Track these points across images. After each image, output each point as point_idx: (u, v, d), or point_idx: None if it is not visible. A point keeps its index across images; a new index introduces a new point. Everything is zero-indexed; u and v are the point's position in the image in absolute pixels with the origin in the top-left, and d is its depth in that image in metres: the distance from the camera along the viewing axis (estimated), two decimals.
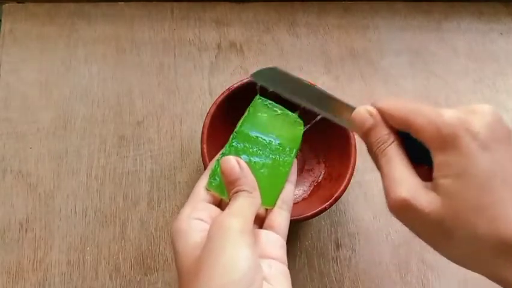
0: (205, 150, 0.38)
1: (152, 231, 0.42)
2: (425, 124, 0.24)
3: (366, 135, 0.28)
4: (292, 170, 0.34)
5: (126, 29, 0.51)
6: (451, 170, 0.23)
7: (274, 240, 0.30)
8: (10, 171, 0.43)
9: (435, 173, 0.24)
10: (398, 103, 0.26)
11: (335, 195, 0.37)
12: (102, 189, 0.43)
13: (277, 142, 0.34)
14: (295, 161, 0.35)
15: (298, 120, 0.35)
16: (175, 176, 0.44)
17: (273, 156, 0.34)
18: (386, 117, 0.27)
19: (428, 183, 0.25)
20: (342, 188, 0.38)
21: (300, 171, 0.43)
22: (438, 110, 0.24)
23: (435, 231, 0.25)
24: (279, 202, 0.32)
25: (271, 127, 0.35)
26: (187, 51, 0.51)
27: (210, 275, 0.24)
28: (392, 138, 0.26)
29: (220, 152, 0.34)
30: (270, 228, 0.31)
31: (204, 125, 0.39)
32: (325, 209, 0.37)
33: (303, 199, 0.42)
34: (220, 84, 0.49)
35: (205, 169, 0.37)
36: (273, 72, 0.33)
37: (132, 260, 0.41)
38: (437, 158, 0.24)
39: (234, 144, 0.34)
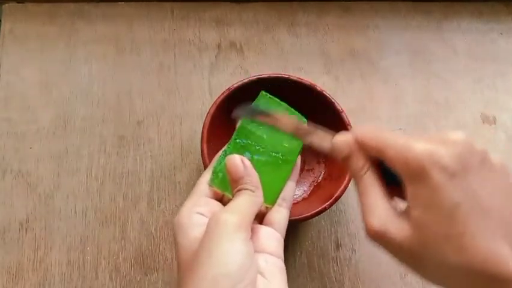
0: (205, 150, 0.38)
1: (152, 231, 0.42)
2: (395, 157, 0.25)
3: (344, 163, 0.28)
4: (294, 168, 0.34)
5: (126, 29, 0.51)
6: (419, 202, 0.24)
7: (271, 236, 0.31)
8: (10, 171, 0.43)
9: (407, 203, 0.25)
10: (373, 133, 0.27)
11: (335, 195, 0.37)
12: (102, 189, 0.43)
13: (280, 139, 0.34)
14: (298, 159, 0.35)
15: (302, 118, 0.35)
16: (175, 176, 0.44)
17: (276, 154, 0.34)
18: (362, 146, 0.27)
19: (403, 211, 0.25)
20: (342, 188, 0.38)
21: (300, 171, 0.43)
22: (409, 143, 0.24)
23: (409, 259, 0.26)
24: (279, 200, 0.33)
25: (269, 135, 0.34)
26: (187, 51, 0.51)
27: (204, 268, 0.25)
28: (367, 167, 0.27)
29: (223, 149, 0.34)
30: (269, 224, 0.32)
31: (204, 125, 0.39)
32: (325, 209, 0.37)
33: (303, 199, 0.42)
34: (220, 84, 0.49)
35: (205, 169, 0.37)
36: (249, 108, 0.33)
37: (132, 260, 0.41)
38: (408, 189, 0.25)
39: (237, 141, 0.34)
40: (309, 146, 0.32)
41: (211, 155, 0.38)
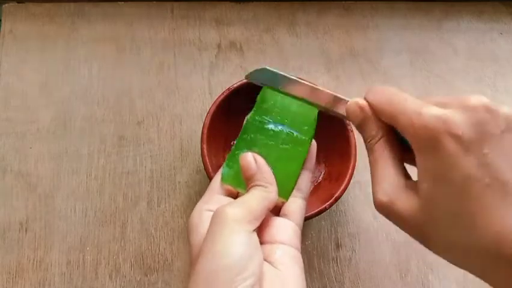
0: (205, 150, 0.38)
1: (152, 231, 0.42)
2: (406, 125, 0.23)
3: (358, 129, 0.28)
4: (309, 157, 0.34)
5: (126, 28, 0.51)
6: (429, 174, 0.23)
7: (285, 226, 0.30)
8: (10, 171, 0.43)
9: (418, 175, 0.24)
10: (384, 97, 0.25)
11: (335, 195, 0.37)
12: (102, 189, 0.43)
13: (290, 130, 0.33)
14: (312, 145, 0.34)
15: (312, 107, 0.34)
16: (175, 176, 0.44)
17: (286, 146, 0.33)
18: (375, 111, 0.26)
19: (413, 184, 0.24)
20: (342, 188, 0.38)
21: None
22: (421, 107, 0.23)
23: (415, 233, 0.25)
24: (294, 191, 0.32)
25: (283, 115, 0.33)
26: (187, 50, 0.51)
27: (205, 261, 0.25)
28: (380, 134, 0.26)
29: (232, 147, 0.33)
30: (284, 215, 0.31)
31: (204, 125, 0.39)
32: (325, 209, 0.37)
33: None
34: (220, 84, 0.49)
35: (205, 169, 0.38)
36: (266, 72, 0.33)
37: (132, 260, 0.41)
38: (418, 160, 0.23)
39: (244, 136, 0.33)
40: (325, 112, 0.31)
41: (211, 155, 0.38)
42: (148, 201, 0.43)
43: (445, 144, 0.21)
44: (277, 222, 0.30)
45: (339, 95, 0.30)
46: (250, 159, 0.30)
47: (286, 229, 0.30)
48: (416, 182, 0.24)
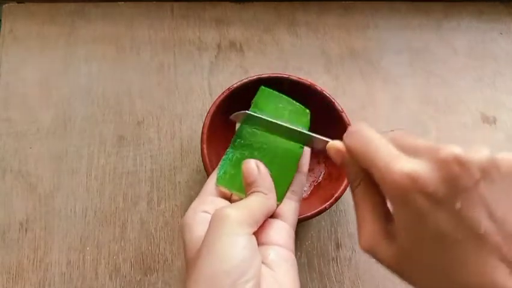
0: (205, 151, 0.38)
1: (152, 231, 0.42)
2: (379, 178, 0.23)
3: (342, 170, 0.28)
4: (302, 161, 0.34)
5: (126, 28, 0.51)
6: (403, 227, 0.22)
7: (279, 227, 0.30)
8: (10, 171, 0.43)
9: (395, 224, 0.24)
10: (359, 143, 0.25)
11: (335, 195, 0.37)
12: (102, 189, 0.43)
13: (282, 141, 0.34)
14: (306, 151, 0.34)
15: (305, 109, 0.35)
16: (175, 176, 0.44)
17: (281, 150, 0.33)
18: (353, 155, 0.25)
19: (392, 231, 0.24)
20: (342, 188, 0.38)
21: None
22: (391, 163, 0.22)
23: (399, 276, 0.25)
24: (288, 193, 0.33)
25: (277, 119, 0.33)
26: (187, 50, 0.51)
27: (204, 264, 0.25)
28: (359, 178, 0.26)
29: (227, 149, 0.33)
30: (277, 216, 0.31)
31: (203, 125, 0.39)
32: (325, 209, 0.37)
33: (303, 199, 0.42)
34: (220, 84, 0.49)
35: (205, 169, 0.38)
36: (250, 115, 0.33)
37: (132, 260, 0.41)
38: (393, 212, 0.23)
39: (238, 140, 0.33)
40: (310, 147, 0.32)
41: (211, 155, 0.38)
42: (148, 201, 0.43)
43: (415, 201, 0.21)
44: (272, 224, 0.30)
45: (318, 137, 0.30)
46: (253, 166, 0.30)
47: (280, 231, 0.30)
48: (392, 230, 0.24)
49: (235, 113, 0.33)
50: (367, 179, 0.25)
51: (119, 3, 0.52)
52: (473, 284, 0.20)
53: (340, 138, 0.40)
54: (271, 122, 0.32)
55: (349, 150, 0.26)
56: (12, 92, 0.47)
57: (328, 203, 0.37)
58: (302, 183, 0.34)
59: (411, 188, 0.21)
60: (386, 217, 0.25)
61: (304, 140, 0.32)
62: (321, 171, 0.44)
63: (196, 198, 0.31)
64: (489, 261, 0.20)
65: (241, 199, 0.30)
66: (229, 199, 0.32)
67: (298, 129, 0.31)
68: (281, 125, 0.32)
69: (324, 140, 0.30)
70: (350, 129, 0.26)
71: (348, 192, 0.41)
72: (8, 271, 0.40)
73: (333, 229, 0.44)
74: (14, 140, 0.45)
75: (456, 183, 0.20)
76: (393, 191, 0.22)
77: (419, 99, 0.51)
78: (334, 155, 0.27)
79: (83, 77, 0.48)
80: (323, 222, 0.44)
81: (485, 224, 0.20)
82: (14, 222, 0.41)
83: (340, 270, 0.42)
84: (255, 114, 0.32)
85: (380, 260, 0.25)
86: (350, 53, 0.53)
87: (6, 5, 0.51)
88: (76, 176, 0.44)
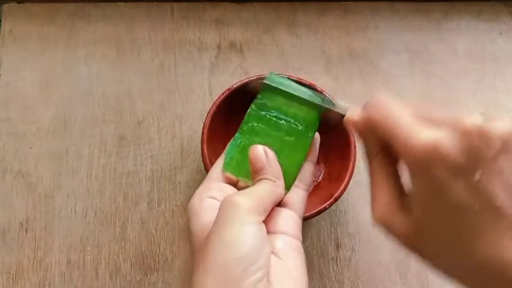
0: (205, 151, 0.38)
1: (152, 231, 0.42)
2: (399, 147, 0.23)
3: (360, 139, 0.27)
4: (312, 149, 0.33)
5: (126, 29, 0.51)
6: (421, 199, 0.22)
7: (287, 216, 0.30)
8: (10, 171, 0.43)
9: (411, 197, 0.23)
10: (381, 113, 0.24)
11: (335, 195, 0.37)
12: (102, 189, 0.43)
13: (293, 122, 0.33)
14: (316, 138, 0.34)
15: (317, 94, 0.34)
16: (175, 176, 0.44)
17: (290, 138, 0.33)
18: (372, 126, 0.25)
19: (407, 204, 0.24)
20: (342, 188, 0.38)
21: None
22: (413, 131, 0.22)
23: (411, 250, 0.24)
24: (296, 182, 0.32)
25: (287, 106, 0.33)
26: (187, 51, 0.51)
27: (214, 251, 0.24)
28: (377, 149, 0.25)
29: (235, 135, 0.33)
30: (285, 205, 0.31)
31: (204, 125, 0.39)
32: (325, 209, 0.37)
33: None
34: (220, 84, 0.49)
35: (205, 169, 0.38)
36: (275, 77, 0.33)
37: (132, 260, 0.41)
38: (412, 182, 0.23)
39: (247, 125, 0.33)
40: (326, 116, 0.31)
41: (211, 155, 0.38)
42: (148, 201, 0.43)
43: (435, 171, 0.21)
44: (279, 213, 0.30)
45: (336, 103, 0.30)
46: (261, 151, 0.30)
47: (288, 219, 0.30)
48: (408, 202, 0.24)
49: (254, 81, 0.32)
50: (385, 150, 0.25)
51: (119, 3, 0.53)
52: (489, 256, 0.20)
53: (340, 138, 0.40)
54: (290, 92, 0.32)
55: (369, 120, 0.25)
56: (12, 92, 0.47)
57: (328, 203, 0.37)
58: (311, 172, 0.34)
59: (433, 157, 0.20)
60: (401, 191, 0.25)
61: (320, 108, 0.31)
62: (320, 171, 0.44)
63: (202, 184, 0.31)
64: (505, 233, 0.20)
65: (247, 186, 0.30)
66: (236, 185, 0.31)
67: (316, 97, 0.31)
68: (299, 96, 0.32)
69: (341, 111, 0.29)
70: (370, 101, 0.26)
71: (347, 192, 0.42)
72: (8, 271, 0.40)
73: (333, 229, 0.44)
74: (14, 140, 0.45)
75: (476, 153, 0.20)
76: (414, 160, 0.22)
77: (419, 99, 0.51)
78: (351, 126, 0.27)
79: (83, 77, 0.48)
80: (322, 222, 0.44)
81: (502, 197, 0.20)
82: (14, 222, 0.41)
83: (340, 270, 0.42)
84: (275, 82, 0.32)
85: (393, 233, 0.24)
86: (350, 53, 0.53)
87: (6, 5, 0.51)
88: (76, 176, 0.44)
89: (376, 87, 0.51)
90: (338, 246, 0.43)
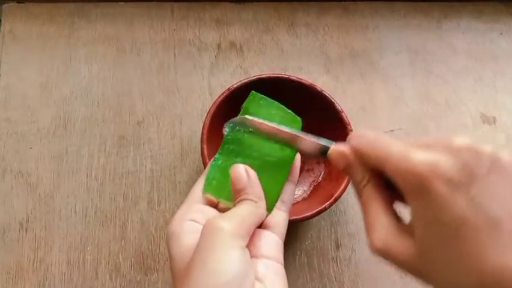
0: (205, 151, 0.38)
1: (152, 231, 0.42)
2: (394, 170, 0.23)
3: (344, 173, 0.27)
4: (293, 169, 0.33)
5: (126, 28, 0.51)
6: (422, 219, 0.22)
7: (270, 240, 0.29)
8: (10, 171, 0.43)
9: (411, 218, 0.23)
10: (371, 142, 0.25)
11: (335, 195, 0.37)
12: (102, 189, 0.43)
13: (274, 143, 0.32)
14: (297, 159, 0.33)
15: (296, 117, 0.34)
16: (175, 176, 0.44)
17: (271, 158, 0.32)
18: (360, 156, 0.25)
19: (407, 227, 0.24)
20: (342, 188, 0.38)
21: (300, 171, 0.43)
22: (407, 154, 0.22)
23: (415, 275, 0.24)
24: (277, 203, 0.31)
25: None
26: (187, 51, 0.51)
27: (198, 277, 0.24)
28: (366, 179, 0.25)
29: (214, 157, 0.32)
30: (267, 227, 0.30)
31: (203, 125, 0.39)
32: (325, 209, 0.37)
33: (303, 199, 0.43)
34: (220, 84, 0.49)
35: (205, 169, 0.37)
36: (240, 122, 0.32)
37: (132, 260, 0.41)
38: (410, 204, 0.23)
39: (227, 146, 0.32)
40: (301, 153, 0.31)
41: (211, 155, 0.38)
42: (148, 201, 0.43)
43: (435, 188, 0.21)
44: (261, 235, 0.29)
45: (319, 142, 0.29)
46: (243, 171, 0.29)
47: (270, 242, 0.29)
48: (408, 224, 0.24)
49: (230, 120, 0.32)
50: (375, 177, 0.25)
51: (119, 3, 0.53)
52: (493, 270, 0.20)
53: (340, 138, 0.40)
54: (262, 126, 0.30)
55: (358, 149, 0.25)
56: (12, 92, 0.47)
57: (328, 203, 0.37)
58: (292, 193, 0.33)
59: (431, 175, 0.21)
60: (397, 216, 0.25)
61: (295, 145, 0.31)
62: (320, 171, 0.44)
63: (182, 206, 0.30)
64: (507, 246, 0.20)
65: (228, 208, 0.29)
66: (216, 207, 0.30)
67: (290, 131, 0.30)
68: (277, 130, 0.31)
69: (315, 143, 0.29)
70: (353, 133, 0.26)
71: (347, 192, 0.42)
72: (8, 271, 0.40)
73: (333, 229, 0.44)
74: (14, 140, 0.45)
75: (471, 169, 0.21)
76: (411, 180, 0.22)
77: (419, 99, 0.51)
78: (338, 159, 0.27)
79: (83, 77, 0.48)
80: (322, 222, 0.44)
81: (499, 213, 0.21)
82: (14, 222, 0.41)
83: (340, 270, 0.42)
84: (251, 118, 0.31)
85: (396, 259, 0.24)
86: (350, 53, 0.53)
87: (6, 5, 0.51)
88: (76, 176, 0.44)
89: (376, 87, 0.51)
90: (337, 246, 0.43)
